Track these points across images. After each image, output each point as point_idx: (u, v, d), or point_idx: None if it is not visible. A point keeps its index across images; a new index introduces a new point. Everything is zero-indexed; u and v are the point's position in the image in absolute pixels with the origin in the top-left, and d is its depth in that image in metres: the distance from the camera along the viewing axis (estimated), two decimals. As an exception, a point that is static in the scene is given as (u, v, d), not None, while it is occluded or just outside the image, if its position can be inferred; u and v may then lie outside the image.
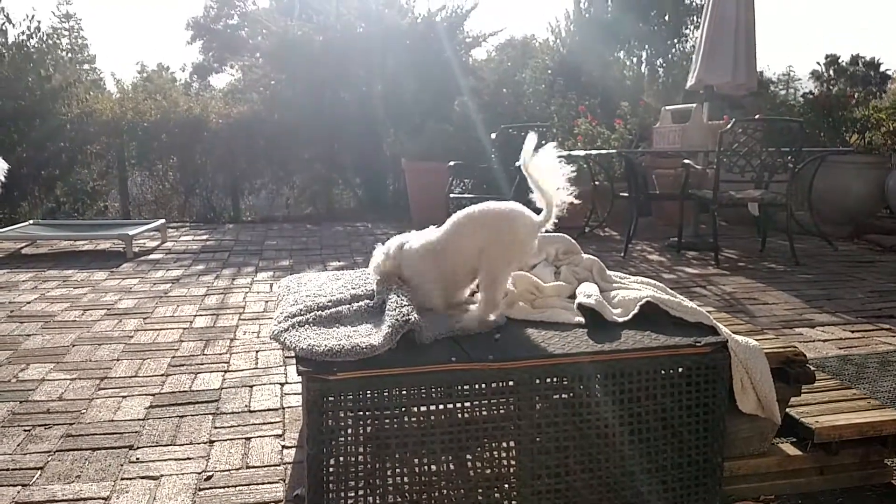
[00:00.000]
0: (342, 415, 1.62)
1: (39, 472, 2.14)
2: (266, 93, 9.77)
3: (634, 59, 12.16)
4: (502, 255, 1.89)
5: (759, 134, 5.21)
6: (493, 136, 6.72)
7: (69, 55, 11.61)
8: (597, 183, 7.29)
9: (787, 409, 1.97)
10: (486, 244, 1.89)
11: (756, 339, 1.93)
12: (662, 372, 1.77)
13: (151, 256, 5.98)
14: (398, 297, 1.87)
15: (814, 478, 1.95)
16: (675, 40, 11.93)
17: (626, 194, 6.23)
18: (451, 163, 6.54)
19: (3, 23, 8.75)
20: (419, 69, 9.18)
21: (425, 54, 9.33)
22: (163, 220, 7.01)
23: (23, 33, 8.85)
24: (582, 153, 7.05)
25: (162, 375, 2.98)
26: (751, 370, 1.83)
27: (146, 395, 2.75)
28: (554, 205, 1.89)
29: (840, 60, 22.78)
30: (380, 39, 9.21)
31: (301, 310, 1.92)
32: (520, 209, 1.94)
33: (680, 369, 1.77)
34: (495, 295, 1.89)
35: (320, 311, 1.92)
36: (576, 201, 1.90)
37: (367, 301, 2.00)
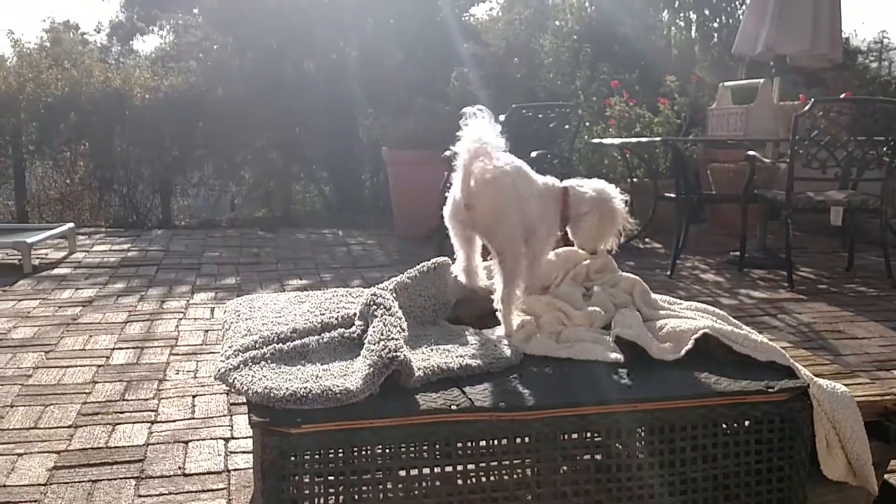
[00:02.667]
0: (307, 480, 1.61)
1: None
2: (207, 61, 9.78)
3: (683, 22, 12.23)
4: None
5: (845, 118, 5.24)
6: (503, 118, 6.75)
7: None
8: (635, 180, 7.32)
9: (886, 476, 1.97)
10: None
11: (844, 385, 1.93)
12: (724, 426, 1.77)
13: (56, 271, 5.95)
14: (384, 325, 1.87)
15: (920, 565, 1.95)
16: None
17: (672, 195, 6.26)
18: (448, 152, 6.53)
19: None
20: (405, 32, 9.22)
21: (413, 13, 9.37)
22: (71, 225, 6.98)
23: None
24: (616, 141, 7.08)
25: (70, 427, 2.95)
26: (839, 424, 1.83)
27: (49, 452, 2.73)
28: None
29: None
30: (355, -7, 9.26)
31: (255, 342, 1.92)
32: None
33: (747, 423, 1.78)
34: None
35: (280, 344, 1.92)
36: None
37: (343, 330, 2.00)
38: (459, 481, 1.70)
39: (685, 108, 8.24)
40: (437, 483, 1.68)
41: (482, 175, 2.04)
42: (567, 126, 6.81)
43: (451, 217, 2.14)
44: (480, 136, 2.01)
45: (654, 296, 2.25)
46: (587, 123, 8.17)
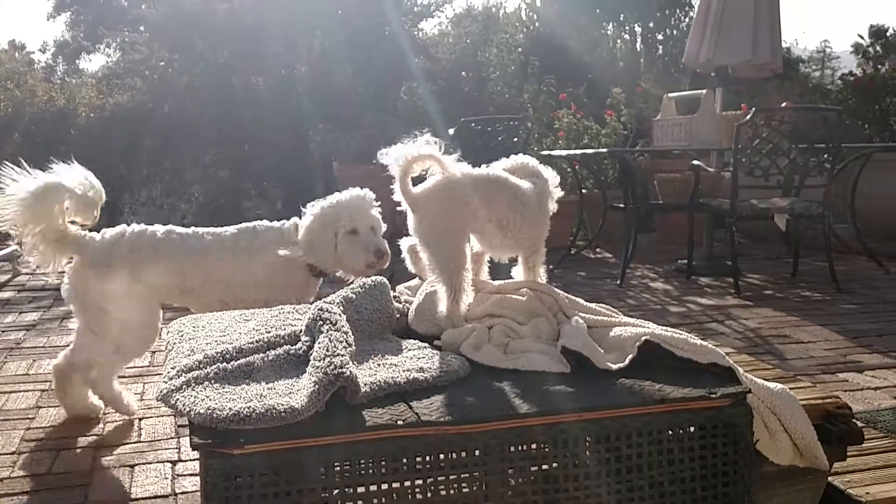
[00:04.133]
0: (253, 502, 1.59)
1: None
2: (153, 78, 9.69)
3: (627, 35, 12.41)
4: None
5: (786, 127, 5.34)
6: (452, 131, 6.77)
7: None
8: (584, 191, 7.38)
9: (830, 478, 2.00)
10: None
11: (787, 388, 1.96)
12: (669, 433, 1.78)
13: (-1, 295, 5.84)
14: (329, 341, 1.85)
15: (864, 564, 1.98)
16: (677, 9, 12.21)
17: (621, 205, 6.32)
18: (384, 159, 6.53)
19: None
20: (355, 47, 9.23)
21: (363, 28, 9.38)
22: (15, 247, 6.83)
23: None
24: (564, 153, 7.14)
25: (12, 454, 2.88)
26: (777, 408, 1.87)
27: (-10, 481, 2.67)
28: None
29: (888, 32, 23.26)
30: (304, 9, 9.23)
31: (199, 362, 1.89)
32: None
33: (692, 429, 1.79)
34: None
35: (225, 363, 1.89)
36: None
37: (288, 347, 1.98)
38: (409, 496, 1.69)
39: (631, 119, 8.35)
40: (385, 500, 1.67)
41: (432, 181, 2.13)
42: (515, 139, 6.85)
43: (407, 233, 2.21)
44: (422, 145, 2.06)
45: (584, 302, 2.27)
46: (536, 136, 8.23)
